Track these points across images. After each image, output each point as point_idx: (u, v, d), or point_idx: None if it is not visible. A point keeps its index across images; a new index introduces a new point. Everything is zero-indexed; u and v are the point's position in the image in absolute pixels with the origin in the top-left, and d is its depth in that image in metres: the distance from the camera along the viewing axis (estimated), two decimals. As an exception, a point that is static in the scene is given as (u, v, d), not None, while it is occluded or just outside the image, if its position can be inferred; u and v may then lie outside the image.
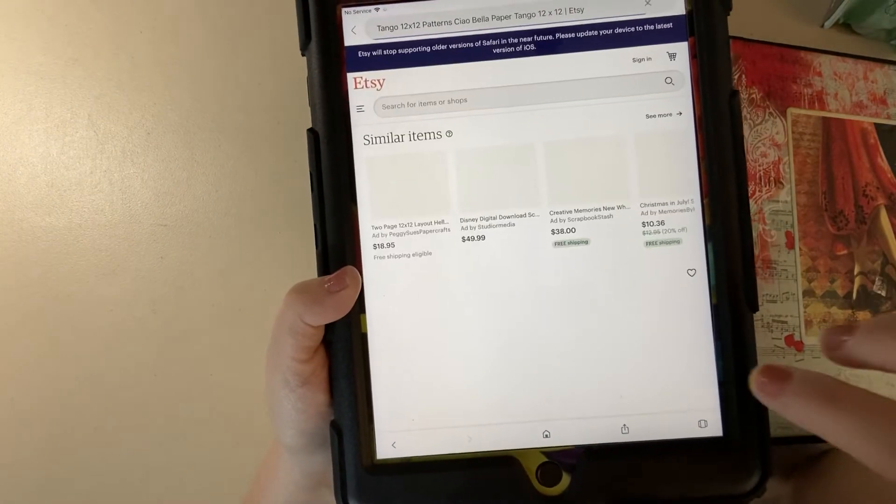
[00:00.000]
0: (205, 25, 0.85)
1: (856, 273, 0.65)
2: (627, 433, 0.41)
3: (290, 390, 0.41)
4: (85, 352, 0.84)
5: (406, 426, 0.41)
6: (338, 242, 0.42)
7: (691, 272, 0.40)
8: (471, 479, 0.40)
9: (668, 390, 0.41)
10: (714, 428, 0.41)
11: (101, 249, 0.85)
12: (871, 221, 0.66)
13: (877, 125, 0.68)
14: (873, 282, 0.65)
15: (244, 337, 0.83)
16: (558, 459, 0.41)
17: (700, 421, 0.40)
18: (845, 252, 0.64)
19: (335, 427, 0.41)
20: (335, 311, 0.40)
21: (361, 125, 0.42)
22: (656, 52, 0.41)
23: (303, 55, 0.44)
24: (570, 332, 0.41)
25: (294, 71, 0.78)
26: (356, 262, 0.42)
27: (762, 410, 0.39)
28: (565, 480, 0.40)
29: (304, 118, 0.84)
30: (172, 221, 0.85)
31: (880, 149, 0.68)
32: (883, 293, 0.65)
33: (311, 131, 0.42)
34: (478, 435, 0.41)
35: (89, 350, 0.84)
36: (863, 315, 0.65)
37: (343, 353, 0.42)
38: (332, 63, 0.42)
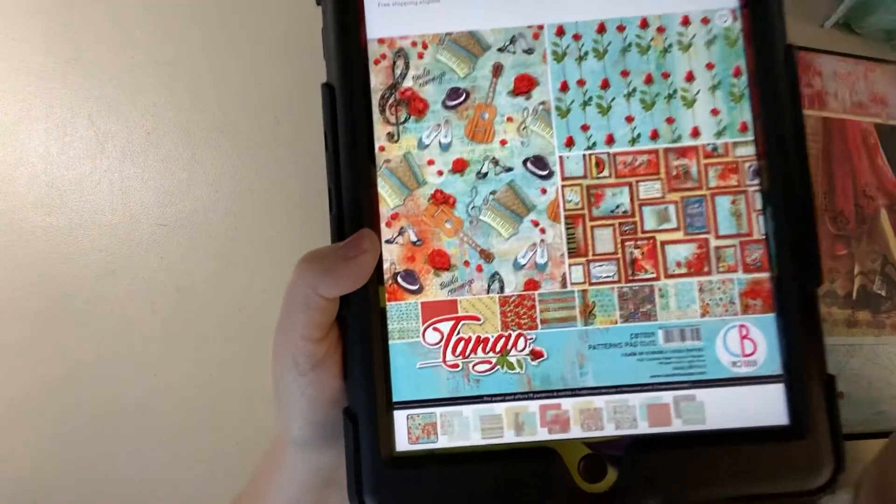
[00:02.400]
0: (205, 25, 0.84)
1: (856, 273, 0.64)
2: (680, 422, 0.36)
3: (300, 374, 0.36)
4: (85, 352, 0.83)
5: (430, 414, 0.37)
6: (354, 205, 0.37)
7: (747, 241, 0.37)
8: (503, 475, 0.36)
9: None
10: (779, 415, 0.36)
11: (101, 249, 0.84)
12: (871, 221, 0.65)
13: (877, 125, 0.67)
14: (873, 282, 0.65)
15: (244, 337, 0.81)
16: (603, 451, 0.36)
17: (762, 408, 0.36)
18: (845, 252, 0.64)
19: (349, 415, 0.36)
20: (352, 280, 0.35)
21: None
22: (708, 3, 0.38)
23: (318, 4, 0.39)
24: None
25: (294, 71, 0.84)
26: (375, 226, 0.37)
27: (832, 396, 0.35)
28: (611, 475, 0.35)
29: (304, 118, 0.85)
30: (172, 221, 0.84)
31: (880, 149, 0.67)
32: (883, 293, 0.65)
33: (326, 86, 0.38)
34: (512, 423, 0.37)
35: (89, 350, 0.83)
36: (863, 315, 0.65)
37: (359, 330, 0.37)
38: (349, 11, 0.38)
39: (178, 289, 0.83)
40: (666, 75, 0.38)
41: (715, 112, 0.38)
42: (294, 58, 0.81)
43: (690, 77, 0.38)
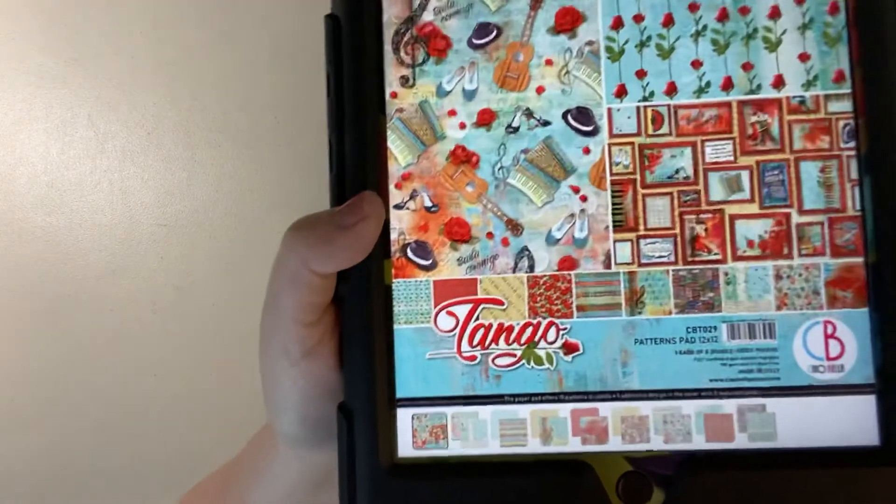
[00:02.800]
0: (205, 25, 0.81)
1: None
2: (745, 437, 0.29)
3: (291, 363, 0.30)
4: (85, 351, 0.80)
5: (439, 414, 0.30)
6: (359, 163, 0.30)
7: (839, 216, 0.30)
8: (525, 492, 0.29)
9: None
10: (869, 434, 0.29)
11: (101, 249, 0.81)
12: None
13: None
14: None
15: (244, 337, 0.77)
16: (648, 469, 0.29)
17: (848, 424, 0.29)
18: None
19: (344, 411, 0.30)
20: (350, 253, 0.29)
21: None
22: None
23: None
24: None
25: (294, 71, 0.82)
26: (382, 188, 0.31)
27: None
28: (657, 499, 0.29)
29: (304, 118, 0.85)
30: (172, 221, 0.81)
31: None
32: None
33: (329, 17, 0.31)
34: (538, 430, 0.30)
35: (89, 350, 0.80)
36: None
37: (359, 311, 0.30)
38: None
39: (178, 289, 0.81)
40: (745, 11, 0.30)
41: (804, 57, 0.30)
42: (294, 58, 0.78)
43: (775, 13, 0.30)
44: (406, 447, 0.30)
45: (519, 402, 0.30)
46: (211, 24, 0.80)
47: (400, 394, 0.30)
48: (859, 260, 0.29)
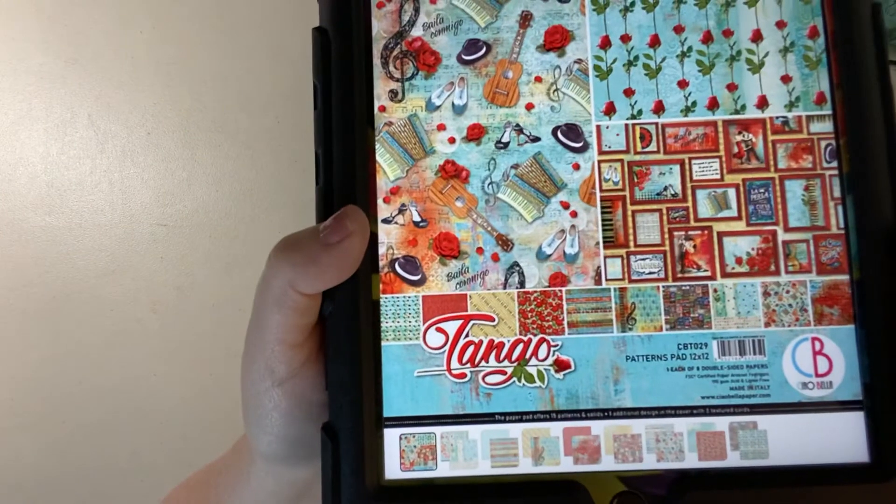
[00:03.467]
0: (205, 25, 0.81)
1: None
2: (737, 455, 0.29)
3: (275, 384, 0.29)
4: (85, 351, 0.81)
5: (428, 434, 0.30)
6: (346, 176, 0.30)
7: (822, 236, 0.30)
8: None
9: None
10: (858, 451, 0.29)
11: (101, 249, 0.82)
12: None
13: None
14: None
15: (244, 337, 0.77)
16: (641, 489, 0.29)
17: (838, 441, 0.29)
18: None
19: (329, 432, 0.29)
20: (336, 271, 0.28)
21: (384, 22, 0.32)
22: None
23: None
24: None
25: (294, 71, 0.81)
26: (370, 202, 0.30)
27: None
28: None
29: (304, 119, 0.84)
30: (172, 221, 0.81)
31: None
32: None
33: (318, 30, 0.31)
34: (530, 450, 0.29)
35: (89, 350, 0.81)
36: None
37: (346, 327, 0.29)
38: None
39: (178, 289, 0.82)
40: (728, 33, 0.30)
41: (786, 79, 0.30)
42: (294, 58, 0.78)
43: (758, 36, 0.30)
44: (393, 469, 0.29)
45: (510, 421, 0.29)
46: (211, 25, 0.80)
47: (387, 413, 0.29)
48: (845, 277, 0.29)
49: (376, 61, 0.31)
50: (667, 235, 0.30)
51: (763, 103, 0.30)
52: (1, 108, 0.81)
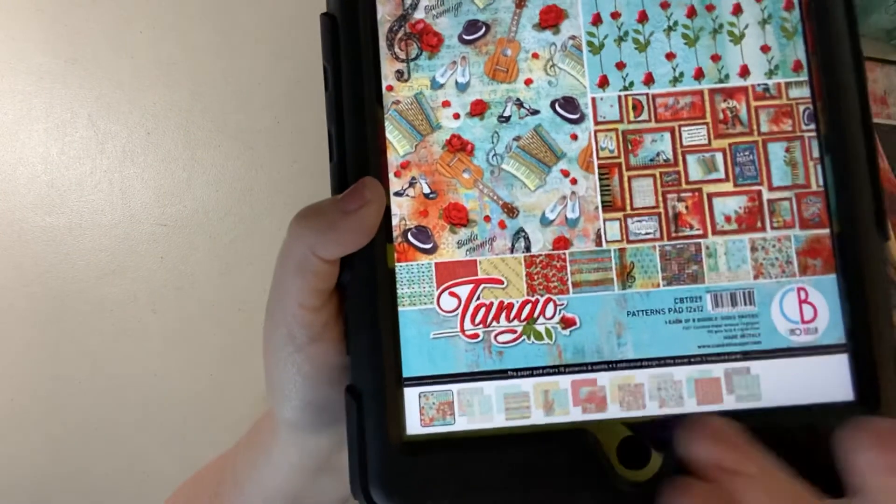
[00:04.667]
0: (205, 25, 0.82)
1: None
2: (733, 399, 0.31)
3: (296, 349, 0.31)
4: (85, 351, 0.81)
5: (445, 392, 0.31)
6: (358, 152, 0.31)
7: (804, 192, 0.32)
8: (531, 461, 0.30)
9: None
10: (844, 390, 0.31)
11: (101, 249, 0.82)
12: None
13: (876, 125, 0.63)
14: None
15: (244, 337, 0.79)
16: (646, 434, 0.31)
17: (825, 382, 0.31)
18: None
19: (353, 393, 0.30)
20: (355, 237, 0.30)
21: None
22: None
23: None
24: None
25: (294, 71, 0.83)
26: (382, 176, 0.32)
27: None
28: (655, 462, 0.30)
29: (304, 118, 0.85)
30: (172, 221, 0.82)
31: (880, 149, 0.63)
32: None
33: (326, 16, 0.32)
34: (541, 402, 0.31)
35: (89, 350, 0.81)
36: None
37: (364, 294, 0.31)
38: None
39: (178, 289, 0.82)
40: (710, 7, 0.32)
41: (765, 49, 0.32)
42: (294, 58, 0.80)
43: (737, 9, 0.32)
44: (414, 425, 0.31)
45: (521, 377, 0.31)
46: (211, 24, 0.80)
47: (406, 373, 0.31)
48: (825, 231, 0.31)
49: (382, 44, 0.32)
50: (661, 198, 0.32)
51: (745, 72, 0.32)
52: (1, 108, 0.82)
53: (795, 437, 0.30)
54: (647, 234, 0.32)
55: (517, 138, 0.32)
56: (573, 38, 0.32)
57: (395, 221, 0.32)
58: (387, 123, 0.32)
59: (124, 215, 0.81)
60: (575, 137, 0.32)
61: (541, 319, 0.31)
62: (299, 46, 0.77)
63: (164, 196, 0.81)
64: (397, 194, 0.32)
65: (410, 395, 0.31)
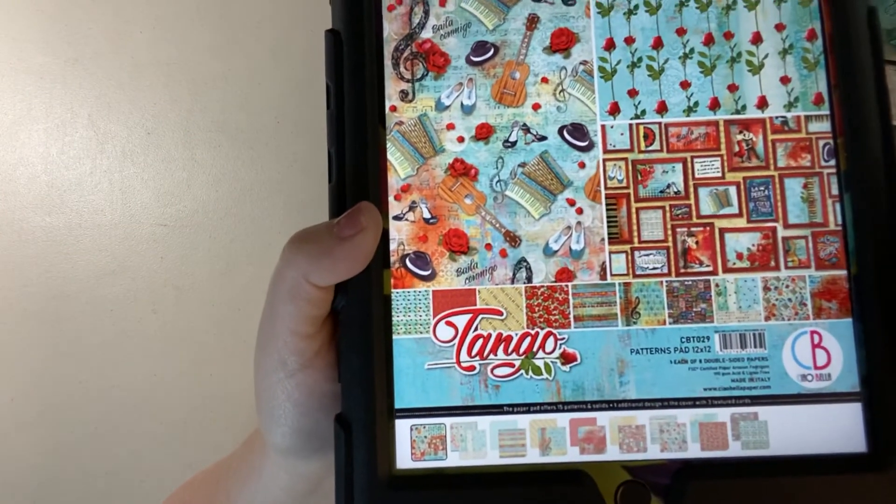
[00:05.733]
0: (205, 25, 0.81)
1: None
2: (738, 445, 0.30)
3: (288, 375, 0.30)
4: (85, 352, 0.81)
5: (438, 425, 0.30)
6: (358, 174, 0.30)
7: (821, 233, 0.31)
8: (525, 502, 0.29)
9: None
10: (856, 441, 0.30)
11: (101, 249, 0.81)
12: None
13: None
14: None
15: (244, 337, 0.79)
16: (646, 478, 0.29)
17: (836, 431, 0.30)
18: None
19: (342, 423, 0.29)
20: (349, 264, 0.29)
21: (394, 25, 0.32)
22: None
23: None
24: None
25: (294, 71, 0.82)
26: (382, 199, 0.31)
27: None
28: None
29: (304, 118, 0.84)
30: (172, 221, 0.81)
31: None
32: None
33: (330, 32, 0.31)
34: (537, 440, 0.30)
35: (89, 350, 0.81)
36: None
37: (359, 321, 0.30)
38: None
39: (178, 289, 0.82)
40: (729, 35, 0.31)
41: (785, 80, 0.31)
42: (294, 58, 0.80)
43: (757, 39, 0.31)
44: (405, 459, 0.29)
45: (518, 413, 0.30)
46: (211, 25, 0.80)
47: (399, 404, 0.30)
48: (842, 272, 0.30)
49: (387, 62, 0.31)
50: (670, 232, 0.30)
51: (763, 103, 0.31)
52: (1, 108, 0.81)
53: (804, 489, 0.29)
54: (654, 268, 0.30)
55: (522, 164, 0.31)
56: (584, 62, 0.31)
57: (393, 246, 0.31)
58: (389, 145, 0.31)
59: (124, 215, 0.80)
60: (582, 166, 0.31)
61: (540, 354, 0.30)
62: (300, 46, 0.77)
63: (164, 196, 0.80)
64: (396, 218, 0.31)
65: (402, 427, 0.30)
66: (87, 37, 0.80)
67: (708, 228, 0.30)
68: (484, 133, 0.31)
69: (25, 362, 0.80)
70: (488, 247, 0.31)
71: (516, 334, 0.30)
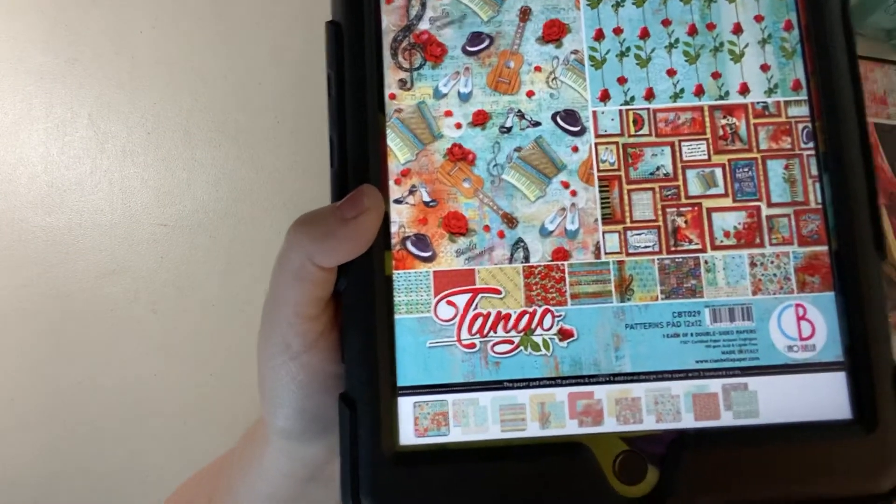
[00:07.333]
0: (205, 25, 0.81)
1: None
2: (729, 415, 0.31)
3: (291, 357, 0.30)
4: (85, 352, 0.81)
5: (441, 401, 0.31)
6: (359, 159, 0.31)
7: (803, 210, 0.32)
8: (525, 474, 0.30)
9: None
10: (841, 408, 0.31)
11: (101, 249, 0.82)
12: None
13: (876, 125, 0.64)
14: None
15: (244, 337, 0.77)
16: (643, 448, 0.30)
17: (822, 399, 0.31)
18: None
19: (347, 401, 0.30)
20: (352, 245, 0.29)
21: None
22: None
23: None
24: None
25: (294, 71, 0.82)
26: (383, 183, 0.32)
27: None
28: (652, 477, 0.30)
29: (304, 118, 0.85)
30: (172, 221, 0.82)
31: (880, 149, 0.64)
32: (886, 296, 0.61)
33: (331, 23, 0.32)
34: (537, 414, 0.31)
35: (89, 350, 0.81)
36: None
37: (361, 302, 0.31)
38: None
39: (178, 289, 0.82)
40: (711, 26, 0.33)
41: (765, 68, 0.33)
42: (294, 58, 0.80)
43: (738, 29, 0.33)
44: (408, 435, 0.30)
45: (518, 388, 0.31)
46: (211, 24, 0.80)
47: (401, 382, 0.30)
48: (824, 248, 0.31)
49: (386, 53, 0.32)
50: (660, 212, 0.32)
51: (745, 90, 0.33)
52: (1, 108, 0.81)
53: (793, 455, 0.30)
54: (646, 247, 0.32)
55: (518, 149, 0.32)
56: (575, 52, 0.33)
57: (394, 229, 0.32)
58: (388, 131, 0.32)
59: (124, 215, 0.81)
60: (576, 150, 0.32)
61: (538, 330, 0.31)
62: (299, 46, 0.77)
63: (164, 196, 0.80)
64: (397, 202, 0.32)
65: (405, 404, 0.31)
66: (87, 37, 0.80)
67: (696, 208, 0.32)
68: (480, 119, 0.32)
69: (25, 362, 0.80)
70: (486, 228, 0.32)
71: (515, 312, 0.31)
